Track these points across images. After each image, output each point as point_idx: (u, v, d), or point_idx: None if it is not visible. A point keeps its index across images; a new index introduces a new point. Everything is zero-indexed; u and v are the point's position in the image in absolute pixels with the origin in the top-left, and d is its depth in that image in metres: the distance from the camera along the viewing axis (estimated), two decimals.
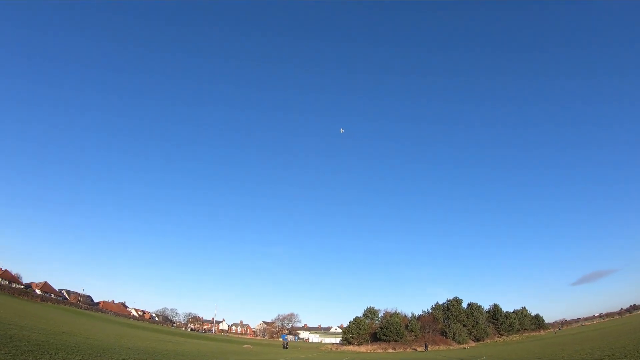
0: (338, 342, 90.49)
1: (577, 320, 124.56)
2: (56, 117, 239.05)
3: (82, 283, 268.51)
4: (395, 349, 65.63)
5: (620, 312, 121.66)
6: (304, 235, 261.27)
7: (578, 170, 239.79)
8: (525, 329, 77.48)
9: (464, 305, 78.20)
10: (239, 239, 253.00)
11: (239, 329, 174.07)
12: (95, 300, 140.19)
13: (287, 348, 62.39)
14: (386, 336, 70.16)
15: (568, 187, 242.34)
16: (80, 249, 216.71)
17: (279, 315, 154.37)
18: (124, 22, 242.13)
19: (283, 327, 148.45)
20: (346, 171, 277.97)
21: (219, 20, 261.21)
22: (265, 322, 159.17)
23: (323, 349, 74.58)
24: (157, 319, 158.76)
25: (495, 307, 79.55)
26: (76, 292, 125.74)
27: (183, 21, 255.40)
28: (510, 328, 75.62)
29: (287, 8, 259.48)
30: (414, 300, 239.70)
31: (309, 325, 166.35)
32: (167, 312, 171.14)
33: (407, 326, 72.94)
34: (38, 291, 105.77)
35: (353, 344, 74.21)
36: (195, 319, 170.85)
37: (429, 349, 62.19)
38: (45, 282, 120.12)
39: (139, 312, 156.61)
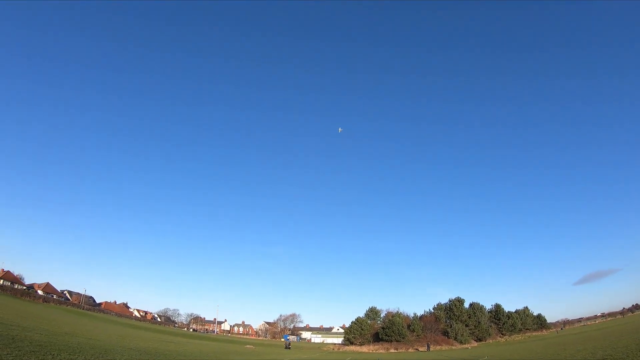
0: (340, 342, 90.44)
1: (580, 320, 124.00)
2: (56, 117, 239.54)
3: (84, 284, 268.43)
4: (397, 349, 65.55)
5: (623, 312, 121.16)
6: (304, 235, 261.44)
7: (578, 170, 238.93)
8: (527, 329, 77.32)
9: (466, 305, 78.16)
10: (239, 239, 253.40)
11: (241, 329, 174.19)
12: (98, 301, 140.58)
13: (289, 348, 62.26)
14: (388, 336, 70.11)
15: (569, 187, 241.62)
16: (82, 250, 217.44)
17: (280, 315, 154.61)
18: (124, 22, 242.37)
19: (285, 328, 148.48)
20: (346, 171, 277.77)
21: (219, 20, 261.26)
22: (267, 323, 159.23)
23: (325, 349, 74.57)
24: (159, 319, 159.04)
25: (498, 307, 79.42)
26: (78, 293, 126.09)
27: (183, 21, 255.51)
28: (513, 328, 75.47)
29: (287, 8, 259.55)
30: (415, 300, 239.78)
31: (311, 325, 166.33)
32: (169, 313, 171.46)
33: (409, 326, 72.87)
34: (40, 292, 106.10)
35: (355, 344, 74.19)
36: (197, 319, 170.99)
37: (431, 349, 62.12)
38: (48, 283, 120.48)
39: (141, 313, 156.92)
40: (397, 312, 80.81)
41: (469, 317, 74.83)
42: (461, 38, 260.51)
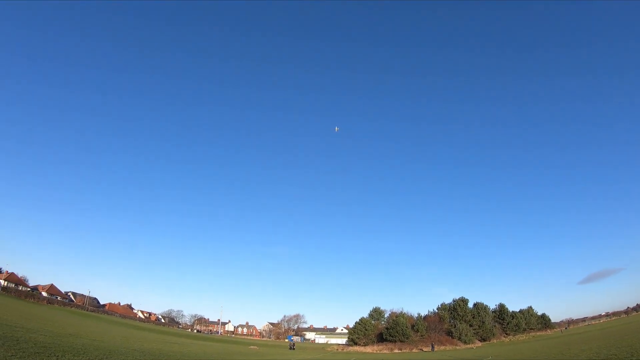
0: (344, 342, 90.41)
1: (584, 320, 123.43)
2: (56, 117, 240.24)
3: (88, 285, 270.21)
4: (401, 350, 65.41)
5: (627, 311, 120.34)
6: (304, 236, 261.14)
7: (579, 170, 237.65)
8: (531, 329, 77.03)
9: (470, 305, 77.92)
10: (239, 239, 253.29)
11: (245, 330, 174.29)
12: (102, 303, 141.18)
13: (293, 349, 62.17)
14: (392, 336, 69.99)
15: (570, 187, 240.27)
16: (86, 252, 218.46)
17: (284, 316, 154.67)
18: (124, 22, 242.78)
19: (289, 328, 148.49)
20: (346, 171, 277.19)
21: (219, 20, 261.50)
22: (271, 323, 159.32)
23: (329, 349, 74.50)
24: (163, 320, 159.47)
25: (502, 307, 79.11)
26: (82, 294, 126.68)
27: (183, 21, 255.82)
28: (517, 328, 75.19)
29: (287, 8, 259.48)
30: (418, 301, 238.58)
31: (315, 326, 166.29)
32: (173, 314, 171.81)
33: (413, 326, 72.72)
34: (44, 293, 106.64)
35: (359, 345, 74.10)
36: (201, 320, 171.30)
37: (435, 349, 61.94)
38: (52, 284, 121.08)
39: (145, 314, 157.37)
40: (401, 312, 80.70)
41: (473, 317, 74.59)
42: (461, 38, 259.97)
